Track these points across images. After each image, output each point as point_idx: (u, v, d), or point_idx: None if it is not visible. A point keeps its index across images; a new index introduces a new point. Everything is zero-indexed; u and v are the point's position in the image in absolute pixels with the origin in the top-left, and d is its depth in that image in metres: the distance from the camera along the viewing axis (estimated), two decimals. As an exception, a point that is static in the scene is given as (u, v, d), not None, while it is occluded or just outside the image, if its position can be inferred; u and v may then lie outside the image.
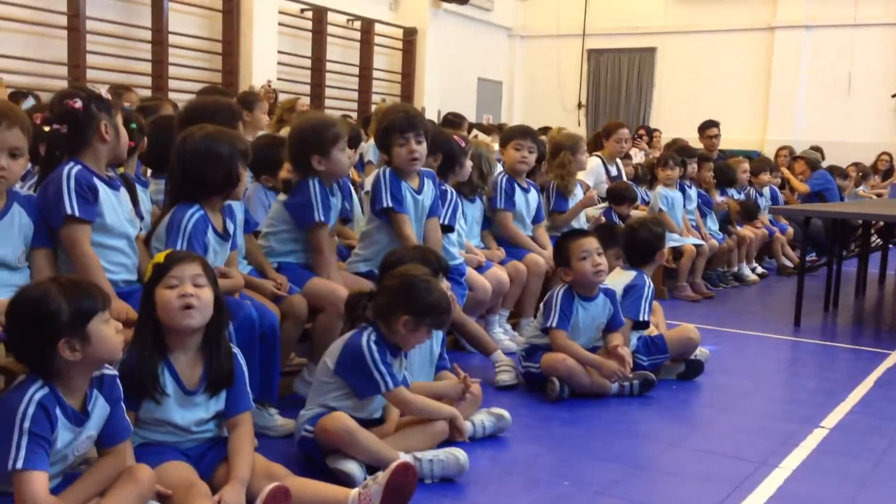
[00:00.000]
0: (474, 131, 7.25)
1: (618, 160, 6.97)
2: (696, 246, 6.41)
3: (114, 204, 2.72)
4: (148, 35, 10.24)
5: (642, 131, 11.32)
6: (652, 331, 4.04)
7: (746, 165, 7.93)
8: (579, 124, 16.69)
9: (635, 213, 6.68)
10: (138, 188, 3.22)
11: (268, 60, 11.42)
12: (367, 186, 3.79)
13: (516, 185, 4.79)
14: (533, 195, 4.91)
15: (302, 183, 3.37)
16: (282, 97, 11.31)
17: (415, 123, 3.57)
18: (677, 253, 6.30)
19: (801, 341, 5.16)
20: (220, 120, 3.12)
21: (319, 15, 12.57)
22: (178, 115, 3.38)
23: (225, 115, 3.27)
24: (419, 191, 3.62)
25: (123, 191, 2.82)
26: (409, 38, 14.25)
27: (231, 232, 2.95)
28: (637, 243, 4.04)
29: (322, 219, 3.31)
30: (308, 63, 12.56)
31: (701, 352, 4.13)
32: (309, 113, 3.80)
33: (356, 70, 13.51)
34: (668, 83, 15.84)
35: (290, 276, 3.27)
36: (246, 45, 11.21)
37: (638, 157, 10.58)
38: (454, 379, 3.00)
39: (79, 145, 2.68)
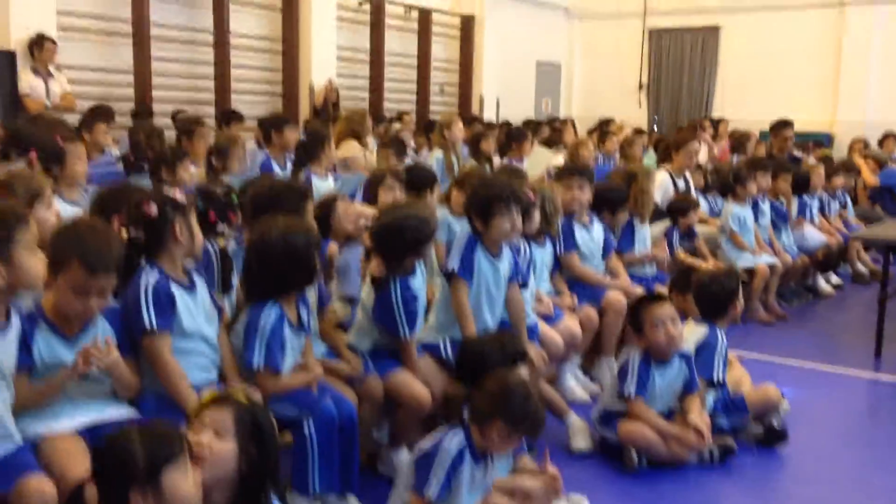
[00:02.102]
0: (535, 146, 7.15)
1: (686, 173, 6.82)
2: (769, 265, 6.27)
3: (190, 308, 2.75)
4: (210, 38, 10.30)
5: (707, 123, 11.03)
6: (739, 380, 3.97)
7: (822, 171, 7.68)
8: (640, 105, 16.37)
9: (703, 228, 6.56)
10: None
11: (327, 56, 11.42)
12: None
13: (576, 224, 4.72)
14: (597, 230, 4.84)
15: (385, 289, 3.30)
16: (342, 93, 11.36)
17: (519, 195, 3.52)
18: (750, 273, 6.17)
19: (884, 381, 4.99)
20: (287, 205, 3.11)
21: (377, 7, 12.49)
22: (246, 201, 3.35)
23: (292, 198, 3.25)
24: (497, 256, 3.57)
25: (200, 286, 2.84)
26: (467, 26, 14.09)
27: (305, 321, 2.97)
28: (709, 297, 3.95)
29: (406, 334, 3.27)
30: (366, 56, 12.52)
31: (781, 400, 4.04)
32: (404, 205, 3.68)
33: (414, 60, 13.43)
34: (732, 63, 15.38)
35: (374, 362, 3.28)
36: (305, 41, 11.21)
37: (702, 151, 10.32)
38: (533, 466, 2.99)
39: (155, 250, 2.72)
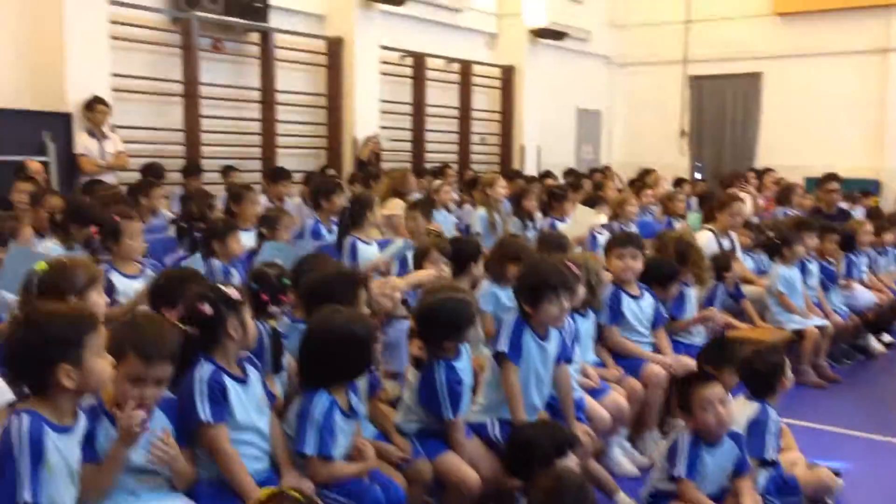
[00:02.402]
0: (578, 207, 7.16)
1: (732, 233, 6.78)
2: (819, 327, 6.18)
3: (243, 400, 2.80)
4: (257, 95, 10.55)
5: (751, 174, 10.97)
6: (793, 460, 3.91)
7: (869, 227, 7.58)
8: (682, 152, 16.34)
9: (750, 289, 6.51)
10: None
11: (370, 110, 11.61)
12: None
13: (624, 295, 4.71)
14: (647, 301, 4.82)
15: (429, 371, 3.34)
16: (384, 145, 11.53)
17: (568, 282, 3.54)
18: (799, 335, 6.09)
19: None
20: (342, 294, 3.16)
21: (419, 60, 12.71)
22: (302, 292, 3.41)
23: (347, 287, 3.30)
24: (545, 337, 3.59)
25: (254, 378, 2.89)
26: (507, 76, 14.25)
27: (356, 408, 3.01)
28: (755, 375, 3.90)
29: (451, 416, 3.29)
30: (408, 108, 12.72)
31: (835, 483, 3.97)
32: (445, 287, 3.72)
33: (455, 112, 13.60)
34: (775, 109, 15.31)
35: (422, 444, 3.30)
36: (349, 96, 11.42)
37: (747, 202, 10.26)
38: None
39: (210, 345, 2.79)
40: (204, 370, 2.74)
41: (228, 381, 2.77)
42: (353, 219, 5.58)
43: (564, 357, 3.69)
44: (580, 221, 7.03)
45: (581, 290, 4.17)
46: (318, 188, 6.59)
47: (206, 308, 2.75)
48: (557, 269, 3.58)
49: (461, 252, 4.51)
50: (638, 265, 4.76)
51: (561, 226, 7.14)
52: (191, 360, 2.78)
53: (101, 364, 2.40)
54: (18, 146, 7.69)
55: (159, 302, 3.25)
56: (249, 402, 2.83)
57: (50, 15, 8.17)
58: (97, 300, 3.09)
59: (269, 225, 5.06)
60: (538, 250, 5.01)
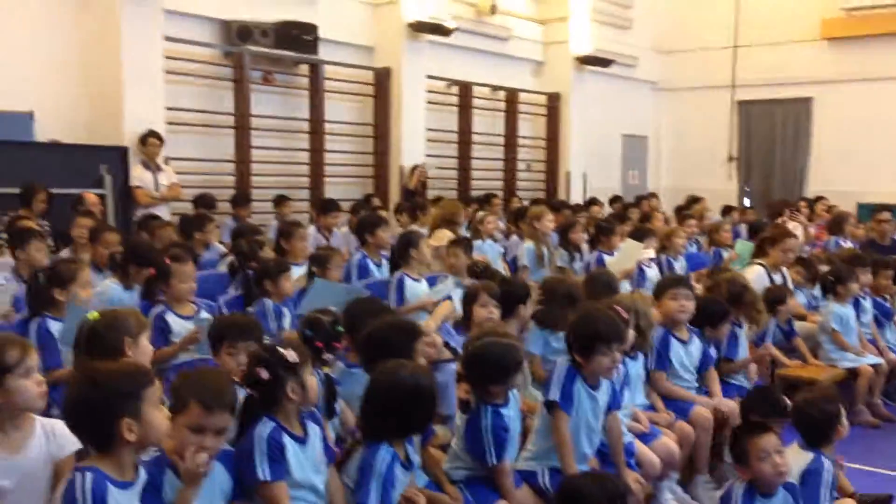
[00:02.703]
0: (626, 240, 7.13)
1: (783, 269, 6.70)
2: (874, 365, 6.06)
3: (301, 460, 2.83)
4: (306, 125, 10.73)
5: (803, 204, 10.81)
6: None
7: (925, 259, 7.41)
8: (730, 177, 16.18)
9: (803, 326, 6.41)
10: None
11: (417, 139, 11.73)
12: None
13: (673, 340, 4.66)
14: (695, 345, 4.76)
15: (475, 416, 3.36)
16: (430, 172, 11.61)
17: (621, 332, 3.54)
18: (853, 373, 5.97)
19: None
20: (400, 347, 3.19)
21: (465, 89, 12.81)
22: (359, 342, 3.45)
23: (405, 338, 3.33)
24: (596, 387, 3.59)
25: (313, 435, 2.92)
26: (553, 103, 14.28)
27: (412, 458, 3.03)
28: (809, 424, 3.83)
29: (495, 462, 3.28)
30: (454, 137, 12.81)
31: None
32: (492, 332, 3.74)
33: (500, 139, 13.66)
34: (826, 134, 15.10)
35: (472, 493, 3.31)
36: (396, 126, 11.55)
37: (797, 231, 10.12)
38: None
39: (270, 406, 2.83)
40: (264, 428, 2.78)
41: (287, 440, 2.80)
42: (401, 257, 5.63)
43: (615, 405, 3.68)
44: (628, 255, 7.00)
45: (630, 334, 4.16)
46: (363, 223, 6.66)
47: (263, 373, 2.79)
48: (610, 320, 3.57)
49: (510, 294, 4.52)
50: (691, 306, 4.71)
51: (609, 259, 7.11)
52: (253, 415, 2.83)
53: (160, 416, 2.47)
54: (77, 179, 7.92)
55: (217, 348, 3.32)
56: (307, 460, 2.85)
57: (109, 52, 8.43)
58: (146, 346, 3.16)
59: (319, 264, 5.12)
60: (585, 289, 4.99)
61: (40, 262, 5.16)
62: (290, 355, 2.81)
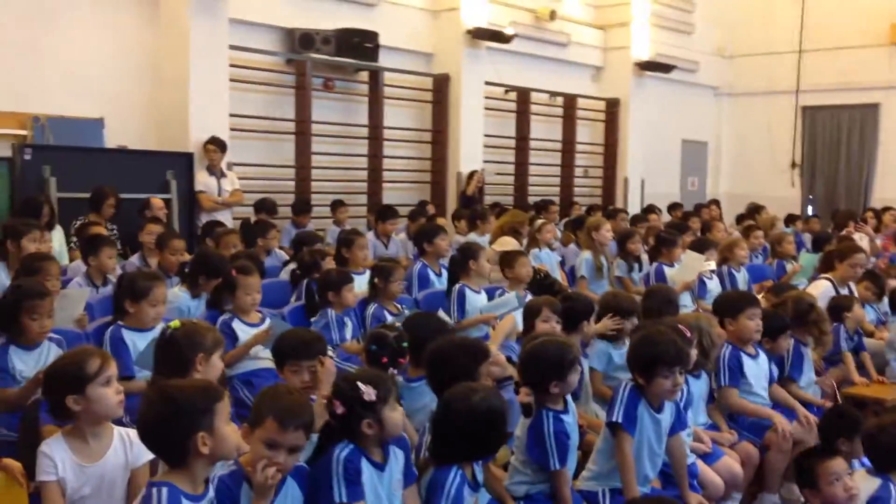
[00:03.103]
0: (687, 252, 7.04)
1: (851, 284, 6.54)
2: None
3: (377, 487, 2.83)
4: (365, 131, 10.84)
5: (869, 214, 10.54)
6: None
7: None
8: (793, 185, 15.85)
9: (870, 342, 6.24)
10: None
11: (475, 145, 11.75)
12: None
13: (743, 355, 4.59)
14: (762, 359, 4.68)
15: (537, 420, 3.35)
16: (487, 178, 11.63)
17: (683, 356, 3.51)
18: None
19: None
20: (467, 368, 3.19)
21: (523, 95, 12.79)
22: (427, 358, 3.47)
23: (472, 359, 3.31)
24: (659, 409, 3.56)
25: (394, 461, 2.92)
26: (612, 109, 14.17)
27: (478, 478, 3.05)
28: (881, 449, 3.74)
29: (558, 466, 3.28)
30: (512, 143, 12.80)
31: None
32: (549, 337, 3.73)
33: (558, 145, 13.61)
34: (893, 142, 14.70)
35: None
36: (454, 132, 11.58)
37: (863, 242, 9.87)
38: None
39: (349, 436, 2.84)
40: (344, 450, 2.80)
41: (365, 465, 2.81)
42: (460, 268, 5.65)
43: (680, 426, 3.64)
44: (689, 267, 6.92)
45: (693, 353, 4.11)
46: (421, 232, 6.69)
47: (339, 408, 2.80)
48: (671, 342, 3.53)
49: (572, 310, 4.50)
50: (759, 324, 4.64)
51: (669, 271, 7.05)
52: (331, 437, 2.85)
53: (230, 430, 2.53)
54: (144, 184, 8.12)
55: (280, 365, 3.38)
56: (383, 487, 2.86)
57: (177, 61, 8.63)
58: (217, 364, 3.21)
59: (383, 276, 5.15)
60: (644, 304, 4.95)
61: (111, 268, 5.33)
62: (368, 393, 2.78)
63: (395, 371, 3.53)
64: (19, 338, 3.63)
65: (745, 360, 4.60)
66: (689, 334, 4.03)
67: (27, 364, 3.59)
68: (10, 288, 3.82)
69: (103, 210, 7.33)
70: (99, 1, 8.43)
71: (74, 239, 6.96)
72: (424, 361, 3.45)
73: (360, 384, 2.80)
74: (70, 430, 2.71)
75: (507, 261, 5.85)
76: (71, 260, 6.51)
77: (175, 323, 3.22)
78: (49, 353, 3.63)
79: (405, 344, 3.56)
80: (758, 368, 4.64)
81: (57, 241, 6.72)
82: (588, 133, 14.18)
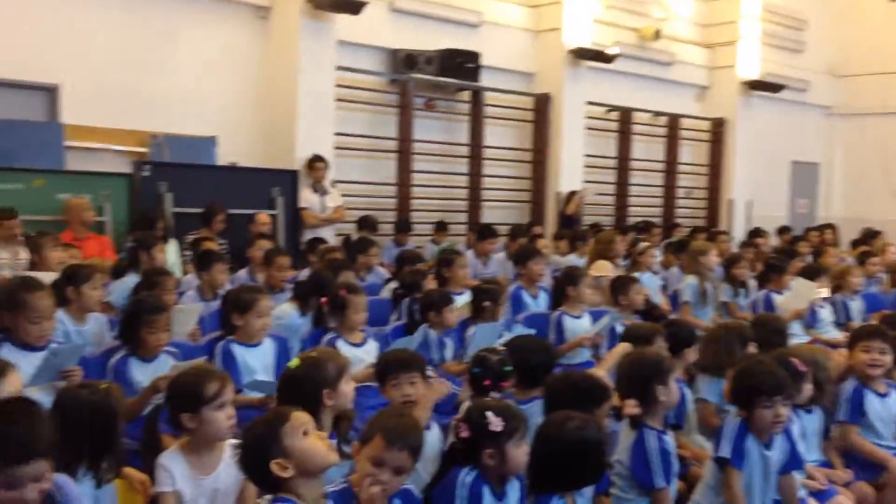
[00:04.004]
0: (797, 279, 6.77)
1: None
2: None
3: None
4: (466, 150, 10.91)
5: None
6: None
7: None
8: (910, 210, 15.10)
9: None
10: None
11: (575, 164, 11.68)
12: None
13: (868, 392, 4.36)
14: (893, 399, 4.44)
15: (640, 436, 3.30)
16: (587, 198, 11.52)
17: (787, 386, 3.39)
18: None
19: None
20: (587, 405, 3.12)
21: (625, 115, 12.64)
22: (547, 389, 3.41)
23: (591, 400, 3.21)
24: (769, 445, 3.43)
25: (512, 492, 2.88)
26: (717, 129, 13.84)
27: (575, 504, 3.00)
28: None
29: (663, 483, 3.21)
30: (613, 163, 12.65)
31: None
32: (643, 355, 3.67)
33: (660, 165, 13.38)
34: None
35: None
36: (555, 151, 11.55)
37: None
38: None
39: (472, 462, 2.83)
40: (469, 475, 2.79)
41: (486, 493, 2.79)
42: (559, 294, 5.59)
43: (794, 465, 3.49)
44: (800, 295, 6.66)
45: (808, 388, 3.95)
46: (517, 254, 6.67)
47: (464, 431, 2.79)
48: (772, 371, 3.41)
49: (675, 336, 4.39)
50: (888, 360, 4.38)
51: (778, 299, 6.80)
52: (455, 460, 2.85)
53: (310, 442, 2.48)
54: (252, 200, 8.40)
55: (383, 381, 3.41)
56: None
57: (286, 82, 8.92)
58: (345, 391, 3.17)
59: (493, 299, 5.14)
60: (752, 332, 4.77)
61: (222, 283, 5.51)
62: (495, 423, 2.74)
63: (499, 394, 3.53)
64: (138, 350, 3.80)
65: (870, 397, 4.34)
66: (801, 368, 3.88)
67: (145, 375, 3.74)
68: (130, 302, 3.99)
69: (214, 225, 7.60)
70: (216, 23, 8.79)
71: (188, 252, 7.25)
72: (545, 397, 3.39)
73: (489, 413, 2.77)
74: (185, 443, 2.80)
75: (621, 287, 5.74)
76: (184, 273, 6.76)
77: (294, 362, 3.19)
78: (165, 365, 3.77)
79: (508, 368, 3.54)
80: (883, 408, 4.38)
81: (171, 254, 7.01)
82: (692, 153, 13.89)
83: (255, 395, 3.86)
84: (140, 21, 8.26)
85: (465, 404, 3.60)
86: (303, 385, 3.00)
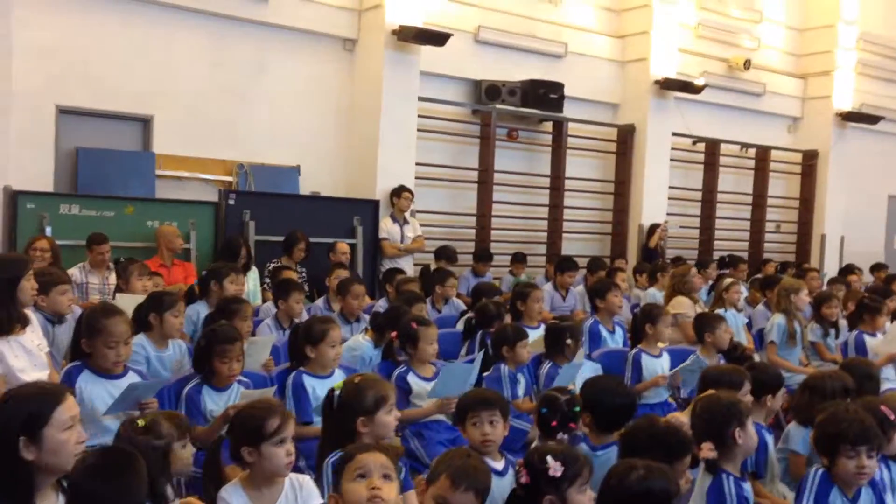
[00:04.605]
0: (889, 321, 6.44)
1: None
2: None
3: None
4: (546, 181, 10.84)
5: None
6: None
7: None
8: None
9: None
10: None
11: (659, 197, 11.46)
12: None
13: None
14: None
15: (717, 480, 3.17)
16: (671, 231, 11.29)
17: (870, 435, 3.21)
18: None
19: None
20: (666, 456, 3.00)
21: (712, 146, 12.36)
22: (624, 437, 3.30)
23: (668, 448, 3.05)
24: (854, 499, 3.24)
25: None
26: (810, 162, 13.39)
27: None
28: None
29: None
30: (698, 195, 12.37)
31: None
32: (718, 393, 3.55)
33: (748, 198, 13.01)
34: None
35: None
36: (637, 183, 11.37)
37: None
38: None
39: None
40: None
41: None
42: (639, 331, 5.45)
43: (881, 522, 3.30)
44: (895, 338, 6.33)
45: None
46: (594, 288, 6.55)
47: (524, 477, 2.73)
48: (861, 419, 3.23)
49: (758, 381, 4.21)
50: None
51: (871, 341, 6.47)
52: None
53: (353, 486, 2.53)
54: (332, 229, 8.52)
55: (462, 420, 3.36)
56: None
57: (369, 113, 9.05)
58: (386, 420, 3.18)
59: (572, 335, 5.04)
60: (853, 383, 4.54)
61: (299, 313, 5.57)
62: (554, 468, 2.68)
63: (566, 436, 3.44)
64: (211, 379, 3.86)
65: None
66: (892, 416, 3.67)
67: (217, 405, 3.79)
68: (204, 332, 4.07)
69: (294, 253, 7.73)
70: (303, 55, 9.00)
71: (268, 280, 7.38)
72: (621, 444, 3.27)
73: (549, 458, 2.70)
74: (246, 477, 2.81)
75: (706, 325, 5.57)
76: (263, 301, 6.88)
77: (339, 384, 3.23)
78: (237, 395, 3.82)
79: (577, 408, 3.45)
80: None
81: (252, 281, 7.15)
82: (782, 187, 13.47)
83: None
84: (229, 55, 8.53)
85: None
86: (339, 410, 3.00)
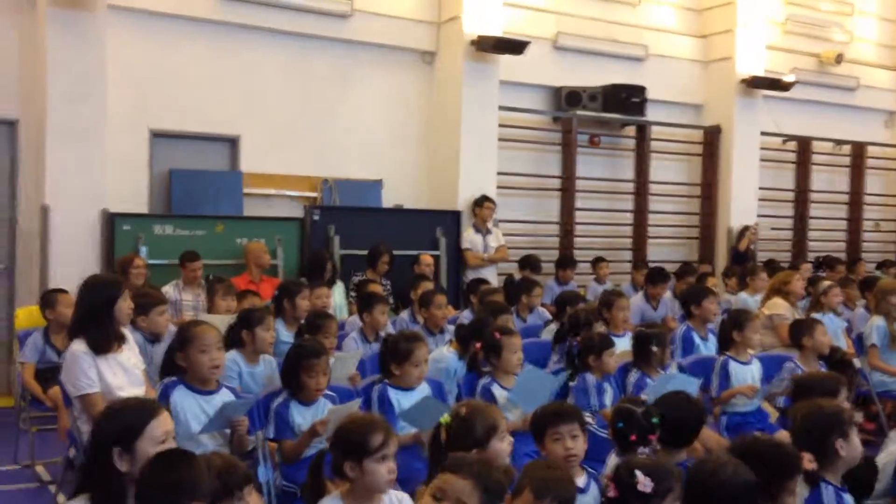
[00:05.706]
0: None
1: None
2: None
3: None
4: (631, 186, 10.67)
5: None
6: None
7: None
8: None
9: None
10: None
11: (748, 198, 11.13)
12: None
13: None
14: None
15: (817, 492, 3.04)
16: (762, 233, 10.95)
17: None
18: None
19: None
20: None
21: (804, 144, 11.94)
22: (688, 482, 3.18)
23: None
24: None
25: None
26: (909, 156, 12.81)
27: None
28: None
29: None
30: (790, 195, 11.96)
31: None
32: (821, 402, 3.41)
33: (845, 197, 12.51)
34: None
35: None
36: (725, 185, 11.07)
37: None
38: None
39: None
40: None
41: None
42: (726, 338, 5.29)
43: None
44: None
45: None
46: (688, 294, 6.40)
47: (611, 491, 2.69)
48: None
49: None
50: None
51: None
52: None
53: None
54: (415, 241, 8.57)
55: (541, 436, 3.30)
56: None
57: (450, 125, 9.09)
58: (500, 448, 3.11)
59: (659, 343, 4.94)
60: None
61: (383, 325, 5.62)
62: (644, 484, 2.62)
63: (646, 449, 3.34)
64: (299, 393, 3.92)
65: None
66: None
67: (305, 419, 3.85)
68: (292, 347, 4.13)
69: (378, 267, 7.81)
70: (384, 69, 9.10)
71: (353, 294, 7.47)
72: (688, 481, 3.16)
73: (637, 472, 2.64)
74: (346, 491, 2.80)
75: (805, 329, 5.37)
76: (350, 314, 6.97)
77: (445, 418, 3.15)
78: (324, 409, 3.87)
79: (655, 420, 3.34)
80: None
81: (338, 295, 7.26)
82: (880, 184, 12.91)
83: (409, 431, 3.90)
84: (311, 73, 8.70)
85: (613, 457, 3.45)
86: (448, 445, 2.96)
